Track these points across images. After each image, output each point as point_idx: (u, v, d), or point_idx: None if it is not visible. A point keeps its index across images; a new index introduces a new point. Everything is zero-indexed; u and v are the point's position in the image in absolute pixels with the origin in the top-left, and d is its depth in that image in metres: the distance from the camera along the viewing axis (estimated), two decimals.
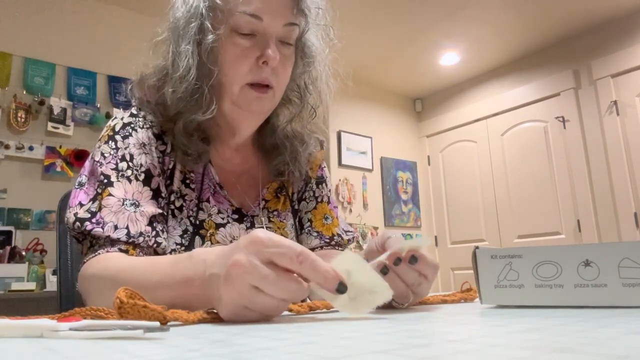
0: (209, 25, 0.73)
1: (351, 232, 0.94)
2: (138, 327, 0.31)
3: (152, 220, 0.71)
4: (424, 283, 0.54)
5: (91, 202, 0.69)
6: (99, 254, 0.66)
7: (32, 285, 2.32)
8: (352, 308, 0.43)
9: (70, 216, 0.69)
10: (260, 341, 0.28)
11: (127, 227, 0.67)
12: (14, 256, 2.41)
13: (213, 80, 0.75)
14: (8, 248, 2.41)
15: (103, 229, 0.66)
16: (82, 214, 0.68)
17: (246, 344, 0.27)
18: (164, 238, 0.72)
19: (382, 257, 0.51)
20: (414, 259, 0.51)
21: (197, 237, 0.77)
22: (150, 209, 0.71)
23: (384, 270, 0.50)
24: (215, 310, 0.45)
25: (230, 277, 0.41)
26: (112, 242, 0.67)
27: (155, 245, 0.70)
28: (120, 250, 0.67)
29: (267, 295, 0.41)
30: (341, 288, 0.41)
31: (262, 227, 0.44)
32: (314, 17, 0.80)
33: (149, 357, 0.24)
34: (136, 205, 0.70)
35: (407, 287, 0.52)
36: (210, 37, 0.73)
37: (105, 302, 0.44)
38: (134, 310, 0.38)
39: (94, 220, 0.67)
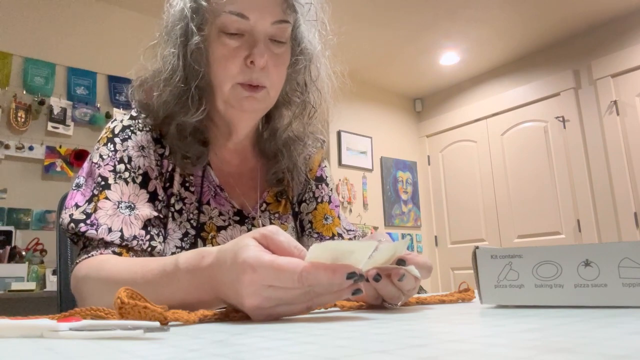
0: (194, 27, 0.73)
1: (353, 231, 0.93)
2: (138, 327, 0.31)
3: (146, 224, 0.70)
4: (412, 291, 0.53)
5: (87, 204, 0.69)
6: (92, 255, 0.66)
7: (32, 285, 2.32)
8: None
9: (65, 217, 0.68)
10: (260, 341, 0.28)
11: (120, 230, 0.67)
12: (14, 256, 2.41)
13: (202, 82, 0.74)
14: (8, 248, 2.41)
15: (97, 231, 0.66)
16: (77, 215, 0.68)
17: (246, 344, 0.27)
18: (160, 242, 0.72)
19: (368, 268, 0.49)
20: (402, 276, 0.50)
21: (198, 239, 0.76)
22: (146, 212, 0.71)
23: (376, 278, 0.50)
24: (217, 310, 0.45)
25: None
26: (105, 244, 0.67)
27: (149, 249, 0.69)
28: (114, 253, 0.66)
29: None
30: (351, 275, 0.40)
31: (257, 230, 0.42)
32: (305, 13, 0.78)
33: (149, 357, 0.24)
34: (131, 208, 0.70)
35: (397, 289, 0.51)
36: (195, 38, 0.72)
37: (98, 303, 0.44)
38: (135, 310, 0.37)
39: (88, 221, 0.67)
